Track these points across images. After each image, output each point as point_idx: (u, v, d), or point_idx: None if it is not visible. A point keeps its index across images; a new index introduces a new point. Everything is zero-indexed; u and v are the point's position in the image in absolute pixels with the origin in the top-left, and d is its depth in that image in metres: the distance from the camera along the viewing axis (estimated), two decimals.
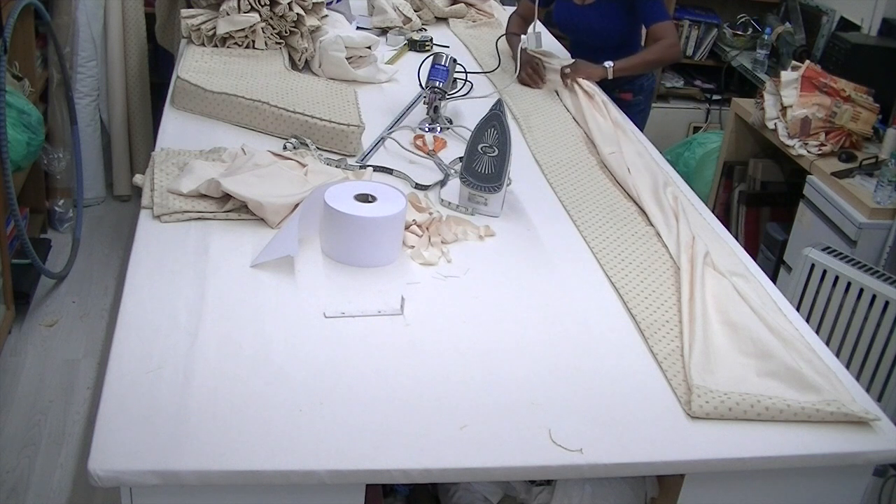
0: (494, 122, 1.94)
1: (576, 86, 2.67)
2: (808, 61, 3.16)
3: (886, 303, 2.42)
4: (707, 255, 1.80)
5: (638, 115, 2.98)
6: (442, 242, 1.80)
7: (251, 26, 2.62)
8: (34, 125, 2.90)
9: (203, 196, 1.81)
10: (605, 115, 2.50)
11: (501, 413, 1.35)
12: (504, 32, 3.12)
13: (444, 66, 2.39)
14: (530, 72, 2.75)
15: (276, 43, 2.68)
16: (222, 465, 1.19)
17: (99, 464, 1.17)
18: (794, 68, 3.14)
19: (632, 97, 3.00)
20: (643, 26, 2.83)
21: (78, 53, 3.48)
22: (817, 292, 2.59)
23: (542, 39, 2.95)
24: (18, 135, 2.80)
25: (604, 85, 2.87)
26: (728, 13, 4.60)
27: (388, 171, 2.10)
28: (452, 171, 2.11)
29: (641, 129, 2.83)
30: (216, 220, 1.78)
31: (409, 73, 2.66)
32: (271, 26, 2.65)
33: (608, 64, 2.68)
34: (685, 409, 1.40)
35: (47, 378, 2.72)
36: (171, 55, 3.33)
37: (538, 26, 2.97)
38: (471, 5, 3.57)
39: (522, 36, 2.86)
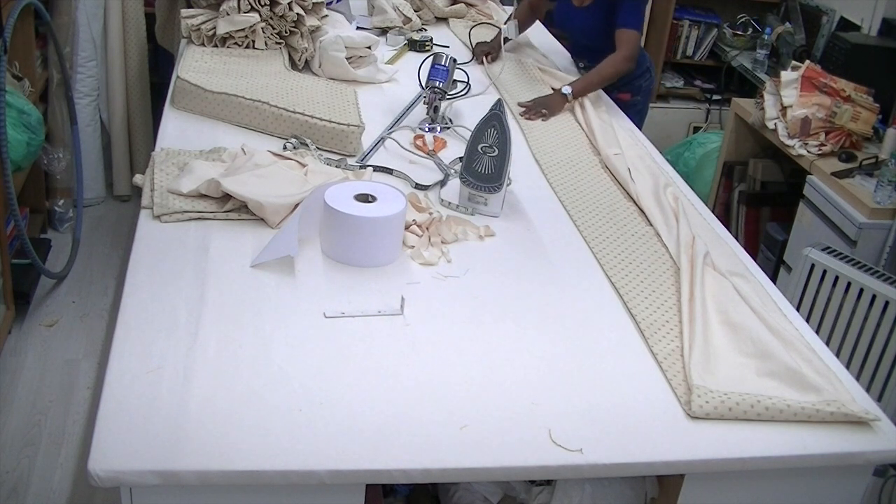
0: (494, 122, 1.94)
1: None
2: (808, 61, 3.16)
3: (886, 303, 2.42)
4: (707, 255, 1.80)
5: (636, 116, 2.97)
6: (442, 242, 1.80)
7: (251, 26, 2.62)
8: (34, 125, 2.89)
9: (203, 196, 1.81)
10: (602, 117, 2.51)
11: (501, 413, 1.35)
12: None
13: (444, 66, 2.39)
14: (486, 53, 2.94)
15: (276, 43, 2.68)
16: (222, 465, 1.19)
17: (99, 464, 1.17)
18: (794, 68, 3.14)
19: (630, 97, 3.01)
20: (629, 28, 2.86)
21: (78, 53, 3.48)
22: (817, 292, 2.59)
23: (536, 38, 3.08)
24: (18, 135, 2.80)
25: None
26: (728, 13, 4.60)
27: (388, 171, 2.10)
28: (452, 171, 2.11)
29: (639, 129, 2.82)
30: (216, 220, 1.78)
31: (409, 73, 2.66)
32: (271, 26, 2.65)
33: (566, 90, 2.61)
34: (685, 409, 1.40)
35: (47, 378, 2.72)
36: (171, 55, 3.33)
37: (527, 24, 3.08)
38: (471, 5, 3.57)
39: (503, 25, 2.92)
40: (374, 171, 2.07)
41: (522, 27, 3.11)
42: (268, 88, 2.31)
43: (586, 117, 2.53)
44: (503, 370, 1.45)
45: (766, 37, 4.15)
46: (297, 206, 1.77)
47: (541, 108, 2.56)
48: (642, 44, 3.97)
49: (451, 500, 1.62)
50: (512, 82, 2.79)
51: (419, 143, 2.27)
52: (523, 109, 2.57)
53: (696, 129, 4.54)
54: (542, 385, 1.42)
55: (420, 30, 3.25)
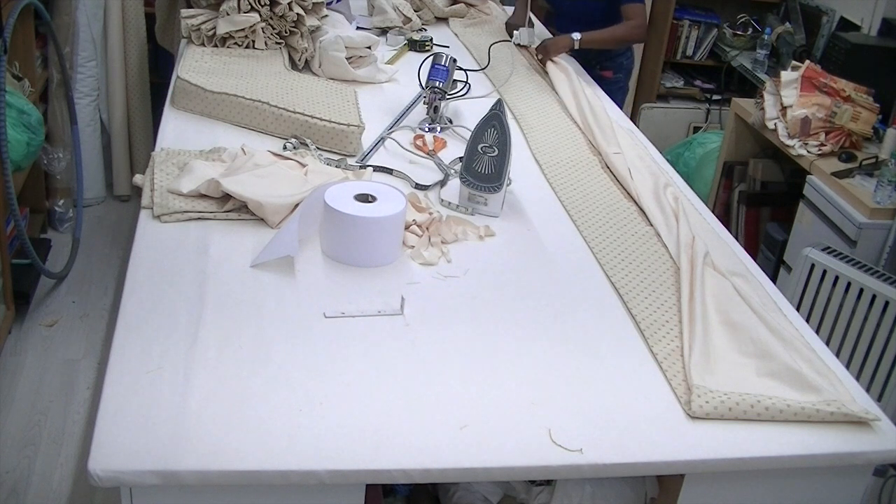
0: (494, 122, 1.94)
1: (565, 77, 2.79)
2: (808, 61, 3.16)
3: (886, 303, 2.42)
4: (707, 255, 1.80)
5: (618, 93, 3.18)
6: (442, 242, 1.80)
7: (251, 26, 2.62)
8: (34, 125, 2.89)
9: (203, 196, 1.81)
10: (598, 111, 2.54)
11: (501, 413, 1.35)
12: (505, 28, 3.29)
13: (444, 66, 2.39)
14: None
15: (276, 43, 2.68)
16: (222, 465, 1.19)
17: (99, 464, 1.17)
18: (794, 68, 3.14)
19: (612, 75, 3.17)
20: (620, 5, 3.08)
21: (78, 53, 3.48)
22: (817, 292, 2.59)
23: (534, 33, 3.11)
24: (18, 135, 2.80)
25: (585, 62, 3.08)
26: (728, 13, 4.60)
27: (388, 171, 2.10)
28: (452, 171, 2.11)
29: (621, 106, 2.99)
30: (216, 220, 1.78)
31: (409, 73, 2.66)
32: (271, 26, 2.65)
33: (576, 36, 2.88)
34: (685, 409, 1.40)
35: (47, 378, 2.72)
36: (171, 55, 3.33)
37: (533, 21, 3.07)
38: (471, 5, 3.57)
39: (514, 32, 2.96)
40: (374, 171, 2.07)
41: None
42: (268, 88, 2.31)
43: (583, 116, 2.52)
44: (503, 370, 1.45)
45: (766, 37, 4.15)
46: (297, 206, 1.77)
47: (540, 52, 2.86)
48: (641, 43, 4.10)
49: (451, 500, 1.62)
50: (520, 95, 2.79)
51: (419, 143, 2.27)
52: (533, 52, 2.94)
53: (696, 129, 4.54)
54: (542, 385, 1.42)
55: (420, 30, 3.25)
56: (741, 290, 1.70)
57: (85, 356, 2.84)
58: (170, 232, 1.72)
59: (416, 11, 3.32)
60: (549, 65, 2.90)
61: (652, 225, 1.97)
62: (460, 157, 2.04)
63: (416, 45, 3.09)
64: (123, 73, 3.61)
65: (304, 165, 1.96)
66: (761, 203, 3.48)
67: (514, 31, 2.98)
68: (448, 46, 3.13)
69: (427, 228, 1.83)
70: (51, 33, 3.26)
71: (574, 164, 2.27)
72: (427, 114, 2.39)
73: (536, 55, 2.93)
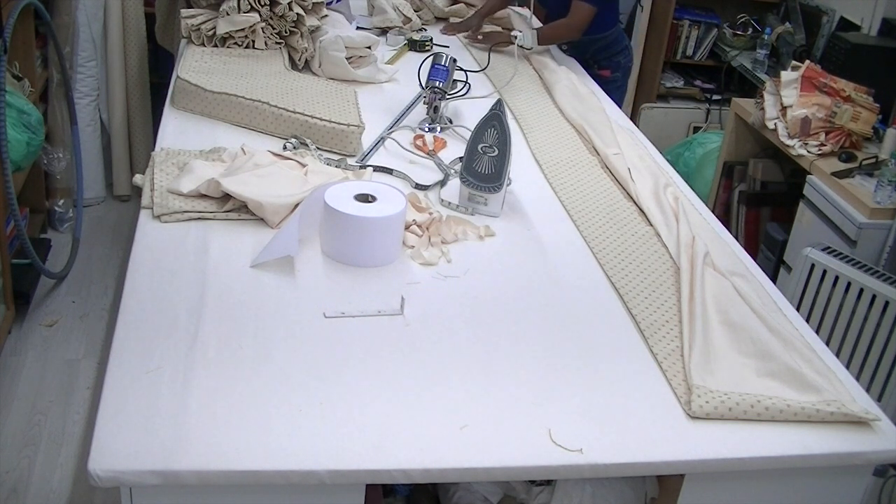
0: (494, 122, 1.94)
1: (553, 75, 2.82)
2: (808, 61, 3.17)
3: (886, 303, 2.42)
4: (707, 255, 1.80)
5: (616, 92, 3.19)
6: (442, 242, 1.80)
7: (251, 26, 2.62)
8: (34, 125, 2.89)
9: (203, 196, 1.81)
10: (595, 108, 2.54)
11: (501, 413, 1.35)
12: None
13: (444, 66, 2.39)
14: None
15: (276, 43, 2.68)
16: (222, 465, 1.19)
17: (99, 464, 1.17)
18: (794, 68, 3.14)
19: (610, 74, 3.20)
20: (617, 8, 3.22)
21: (78, 53, 3.48)
22: (817, 292, 2.59)
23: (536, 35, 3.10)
24: (18, 135, 2.80)
25: (583, 61, 3.16)
26: (728, 13, 4.60)
27: (388, 171, 2.10)
28: (452, 171, 2.10)
29: (619, 106, 2.99)
30: (216, 220, 1.78)
31: (409, 73, 2.66)
32: (271, 26, 2.65)
33: (517, 34, 3.00)
34: (685, 409, 1.40)
35: (47, 378, 2.72)
36: (171, 55, 3.33)
37: (535, 22, 3.05)
38: (471, 6, 3.57)
39: (517, 33, 2.97)
40: (374, 171, 2.07)
41: (493, 10, 3.35)
42: (268, 88, 2.31)
43: (579, 119, 2.52)
44: (503, 370, 1.45)
45: (766, 37, 4.15)
46: (297, 206, 1.77)
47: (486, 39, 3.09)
48: (641, 43, 4.14)
49: (451, 500, 1.62)
50: (520, 95, 2.78)
51: (419, 143, 2.27)
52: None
53: (696, 129, 4.54)
54: (542, 385, 1.42)
55: (420, 30, 3.25)
56: (741, 290, 1.70)
57: (85, 356, 2.84)
58: (170, 232, 1.72)
59: (416, 11, 3.32)
60: (547, 65, 2.91)
61: (652, 225, 1.97)
62: (460, 157, 2.04)
63: (416, 45, 3.09)
64: (123, 73, 3.61)
65: (304, 165, 1.96)
66: (761, 203, 3.48)
67: (518, 34, 2.98)
68: (448, 46, 3.13)
69: (427, 228, 1.83)
70: (51, 33, 3.26)
71: (574, 164, 2.27)
72: (427, 114, 2.39)
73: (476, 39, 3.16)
